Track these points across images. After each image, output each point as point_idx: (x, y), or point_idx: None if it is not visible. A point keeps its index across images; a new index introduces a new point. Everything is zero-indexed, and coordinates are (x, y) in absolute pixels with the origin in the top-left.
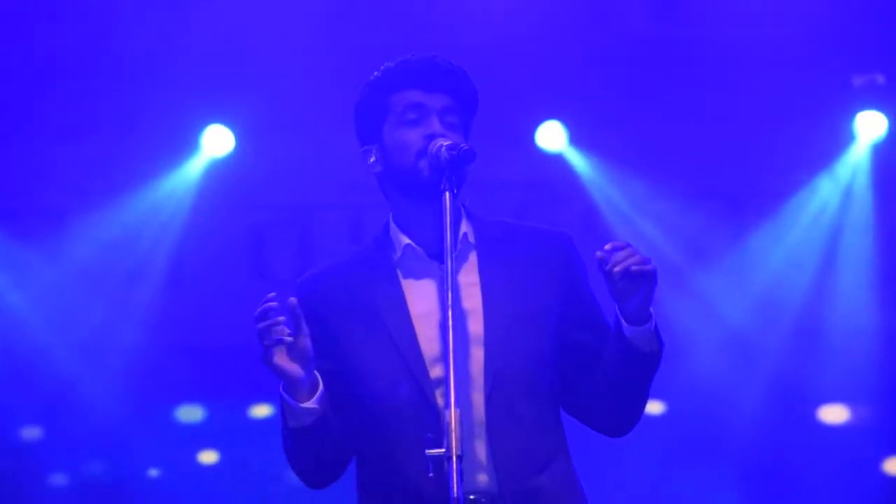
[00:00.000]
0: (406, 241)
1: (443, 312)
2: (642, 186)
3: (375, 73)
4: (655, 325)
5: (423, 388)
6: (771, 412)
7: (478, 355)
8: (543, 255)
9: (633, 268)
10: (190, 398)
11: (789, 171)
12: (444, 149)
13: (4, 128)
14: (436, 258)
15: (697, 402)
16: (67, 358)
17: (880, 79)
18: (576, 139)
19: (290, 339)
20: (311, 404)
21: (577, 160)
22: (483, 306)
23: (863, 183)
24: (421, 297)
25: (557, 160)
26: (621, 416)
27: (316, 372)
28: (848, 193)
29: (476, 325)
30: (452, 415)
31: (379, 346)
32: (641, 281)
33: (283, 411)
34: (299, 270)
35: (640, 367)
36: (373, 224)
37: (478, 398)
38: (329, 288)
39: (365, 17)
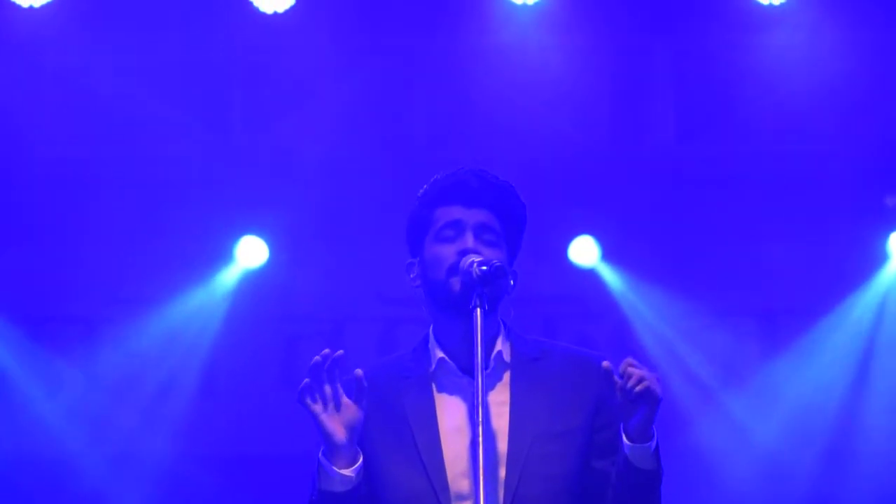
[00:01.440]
0: (440, 354)
1: (471, 430)
2: (674, 302)
3: (424, 186)
4: (656, 446)
5: (441, 503)
6: None
7: (501, 475)
8: (577, 378)
9: (637, 388)
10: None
11: (822, 289)
12: (475, 265)
13: (40, 234)
14: (468, 374)
15: None
16: (97, 468)
17: None
18: (608, 254)
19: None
20: (348, 472)
21: (610, 275)
22: (510, 427)
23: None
24: (451, 413)
25: (590, 275)
26: None
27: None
28: (881, 313)
29: (502, 445)
30: None
31: (404, 456)
32: (645, 400)
33: (318, 475)
34: None
35: (638, 484)
36: (404, 336)
37: None
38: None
39: (401, 131)
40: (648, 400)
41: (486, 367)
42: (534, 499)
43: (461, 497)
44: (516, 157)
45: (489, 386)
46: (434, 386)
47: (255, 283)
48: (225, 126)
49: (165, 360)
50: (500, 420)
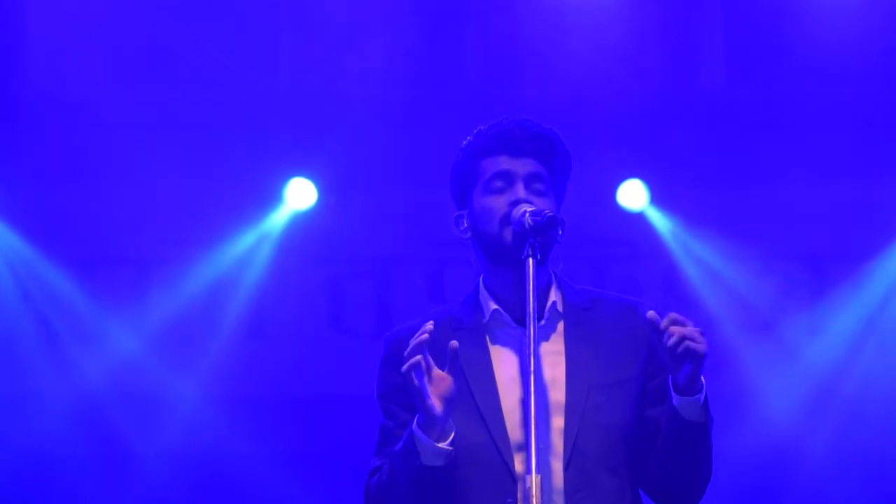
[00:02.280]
0: (494, 306)
1: (525, 379)
2: (722, 246)
3: (468, 138)
4: (705, 398)
5: (501, 453)
6: (842, 470)
7: (558, 424)
8: (628, 327)
9: (679, 348)
10: (267, 450)
11: (872, 232)
12: (527, 216)
13: (90, 176)
14: (522, 324)
15: (769, 456)
16: (141, 408)
17: None
18: (657, 198)
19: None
20: (445, 445)
21: (658, 219)
22: (566, 375)
23: None
24: (507, 363)
25: (638, 219)
26: (679, 490)
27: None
28: None
29: (558, 394)
30: (534, 480)
31: (462, 408)
32: (690, 357)
33: (410, 451)
34: (378, 323)
35: (686, 436)
36: (452, 278)
37: (557, 466)
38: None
39: (449, 74)
40: (693, 357)
41: (539, 317)
42: (593, 448)
43: (520, 447)
44: (565, 99)
45: (544, 336)
46: (488, 337)
47: (303, 224)
48: (274, 68)
49: (214, 301)
50: (557, 370)
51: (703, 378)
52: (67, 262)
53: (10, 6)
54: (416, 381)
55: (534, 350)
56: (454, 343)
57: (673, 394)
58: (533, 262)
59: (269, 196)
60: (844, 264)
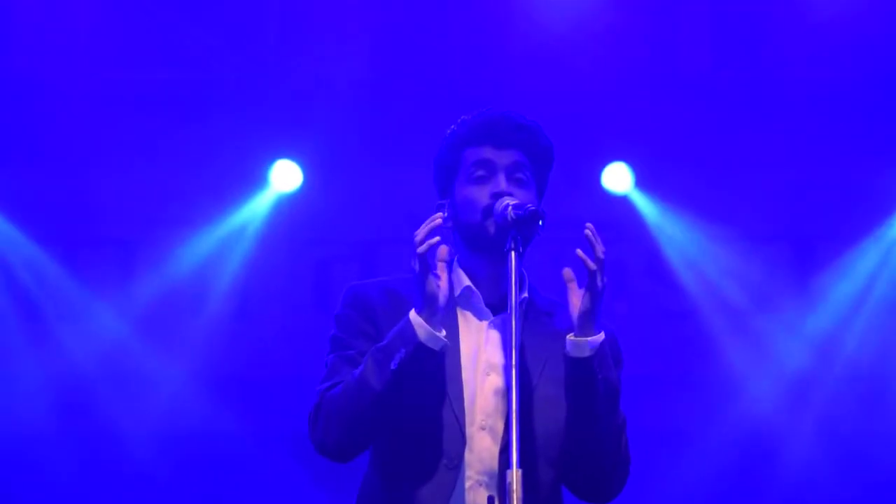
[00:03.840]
0: (467, 282)
1: (507, 372)
2: (707, 229)
3: (451, 128)
4: (601, 344)
5: (456, 416)
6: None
7: (503, 408)
8: None
9: (599, 256)
10: (253, 430)
11: (859, 213)
12: (510, 208)
13: (74, 157)
14: (490, 307)
15: (749, 443)
16: (126, 389)
17: None
18: (642, 181)
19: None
20: (441, 334)
21: (643, 202)
22: (517, 364)
23: None
24: (470, 339)
25: (623, 202)
26: (587, 466)
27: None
28: None
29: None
30: (514, 475)
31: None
32: (593, 283)
33: (404, 334)
34: None
35: (577, 378)
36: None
37: (493, 449)
38: (387, 297)
39: (434, 57)
40: (594, 284)
41: (507, 308)
42: (535, 438)
43: (472, 421)
44: (550, 83)
45: (506, 326)
46: (457, 309)
47: (289, 207)
48: (259, 49)
49: (200, 282)
50: (510, 359)
51: (602, 331)
52: (53, 243)
53: None
54: (428, 265)
55: (503, 340)
56: (444, 247)
57: (567, 337)
58: (515, 255)
59: (255, 178)
60: (829, 248)
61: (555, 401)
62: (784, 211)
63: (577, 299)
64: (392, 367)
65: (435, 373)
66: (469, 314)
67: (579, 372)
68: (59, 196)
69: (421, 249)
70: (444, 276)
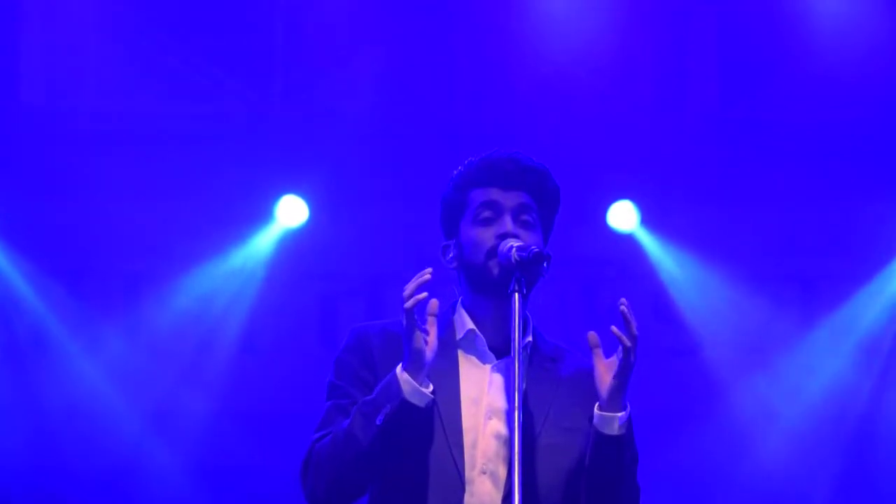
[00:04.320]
0: (471, 325)
1: (510, 415)
2: (712, 268)
3: (458, 169)
4: (628, 419)
5: (455, 462)
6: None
7: (505, 455)
8: (585, 387)
9: (633, 333)
10: (257, 465)
11: (864, 255)
12: (514, 250)
13: (83, 190)
14: (493, 351)
15: (755, 484)
16: (135, 424)
17: None
18: (647, 220)
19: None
20: (427, 390)
21: (648, 241)
22: (522, 412)
23: None
24: (471, 383)
25: (628, 240)
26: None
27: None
28: None
29: (509, 428)
30: None
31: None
32: (626, 360)
33: (390, 389)
34: None
35: (605, 453)
36: (441, 296)
37: (495, 495)
38: (386, 342)
39: (442, 94)
40: (628, 361)
41: (511, 352)
42: (537, 486)
43: (472, 465)
44: (558, 121)
45: (510, 371)
46: (459, 353)
47: (294, 242)
48: (266, 84)
49: (205, 317)
50: (512, 404)
51: (628, 404)
52: (59, 275)
53: (5, 19)
54: (415, 320)
55: (506, 385)
56: (434, 301)
57: (595, 411)
58: (519, 297)
59: (261, 213)
60: (835, 287)
61: (558, 449)
62: (789, 251)
63: (604, 370)
64: (377, 422)
65: (432, 420)
66: (473, 357)
67: (608, 448)
68: (67, 228)
69: (408, 305)
70: (432, 330)
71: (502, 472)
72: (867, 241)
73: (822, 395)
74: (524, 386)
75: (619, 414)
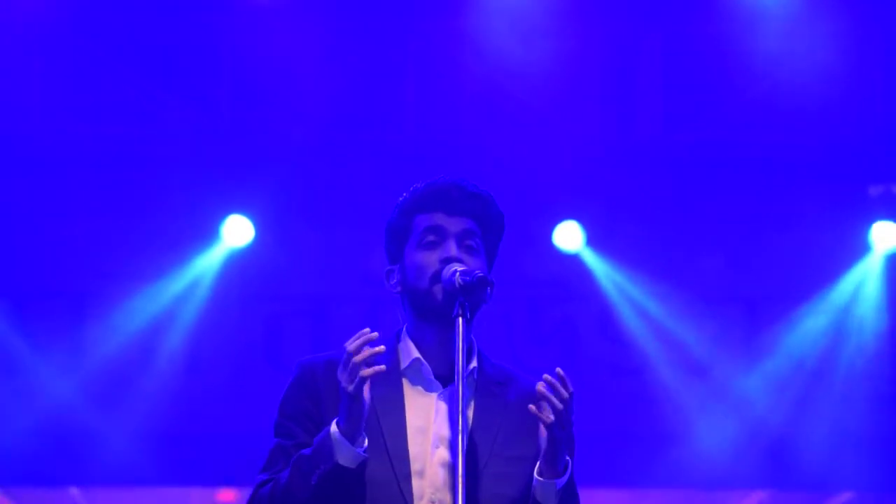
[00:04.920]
0: (416, 354)
1: (434, 433)
2: (657, 288)
3: (403, 195)
4: (567, 481)
5: (402, 493)
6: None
7: (452, 483)
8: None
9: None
10: (203, 483)
11: (805, 277)
12: (458, 274)
13: (29, 212)
14: (439, 379)
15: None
16: (81, 438)
17: None
18: (593, 240)
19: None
20: (361, 451)
21: (593, 261)
22: (469, 440)
23: (875, 291)
24: (417, 411)
25: (574, 260)
26: None
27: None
28: (860, 301)
29: (456, 457)
30: None
31: (370, 440)
32: (552, 429)
33: (324, 451)
34: None
35: None
36: (388, 316)
37: None
38: (331, 375)
39: (387, 115)
40: (552, 434)
41: (457, 378)
42: None
43: (420, 496)
44: (503, 142)
45: (455, 398)
46: (405, 382)
47: (240, 262)
48: (212, 105)
49: (150, 336)
50: (462, 433)
51: (568, 459)
52: (2, 294)
53: None
54: (357, 386)
55: (450, 411)
56: (382, 348)
57: (535, 476)
58: (463, 322)
59: (206, 233)
60: (778, 307)
61: (504, 478)
62: (733, 272)
63: (543, 428)
64: (312, 481)
65: (379, 452)
66: (419, 387)
67: None
68: (10, 248)
69: (365, 373)
70: (366, 388)
71: (450, 501)
72: (811, 262)
73: (767, 410)
74: (471, 413)
75: (557, 479)
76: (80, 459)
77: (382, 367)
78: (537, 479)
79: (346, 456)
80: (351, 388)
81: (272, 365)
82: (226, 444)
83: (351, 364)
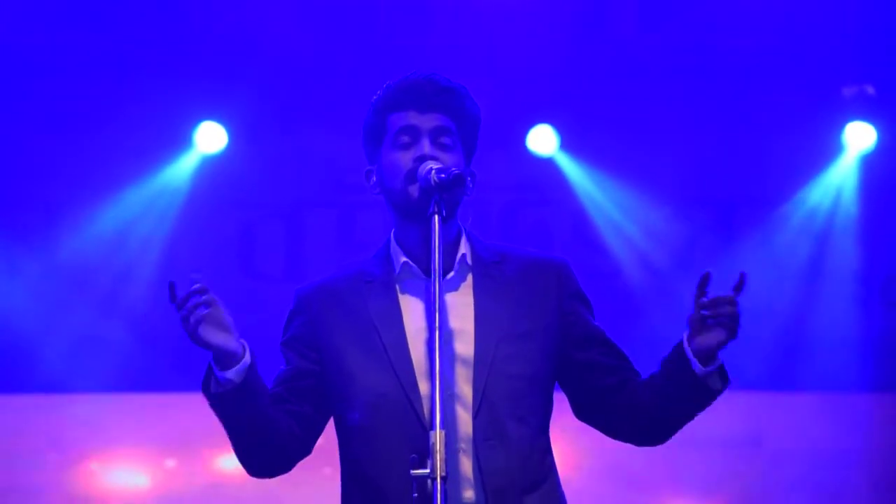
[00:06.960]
0: (403, 259)
1: (431, 334)
2: (632, 192)
3: (377, 93)
4: (722, 364)
5: (412, 402)
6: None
7: (467, 374)
8: (536, 281)
9: (722, 318)
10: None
11: (779, 180)
12: (433, 172)
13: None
14: (431, 276)
15: None
16: (54, 352)
17: (870, 90)
18: (567, 144)
19: (206, 311)
20: (230, 375)
21: (568, 164)
22: (475, 327)
23: (851, 193)
24: (415, 314)
25: (548, 164)
26: (663, 434)
27: (247, 346)
28: (836, 203)
29: (466, 346)
30: (437, 435)
31: (372, 357)
32: (721, 330)
33: (206, 395)
34: (289, 269)
35: (705, 403)
36: (362, 222)
37: (465, 416)
38: (328, 298)
39: (360, 19)
40: (724, 331)
41: (448, 270)
42: (501, 398)
43: (429, 397)
44: (476, 44)
45: (453, 288)
46: (398, 288)
47: (213, 168)
48: (185, 8)
49: (124, 245)
50: (466, 321)
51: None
52: None
53: None
54: (196, 335)
55: (439, 304)
56: (195, 274)
57: (695, 361)
58: (438, 219)
59: (179, 139)
60: (753, 210)
61: (516, 357)
62: (707, 175)
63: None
64: (223, 425)
65: (384, 367)
66: (411, 289)
67: (710, 401)
68: None
69: (188, 330)
70: (215, 308)
71: (468, 391)
72: (785, 165)
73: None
74: (471, 300)
75: (716, 365)
76: (60, 360)
77: (208, 310)
78: (702, 370)
79: (217, 382)
80: (194, 339)
81: (246, 273)
82: (199, 352)
83: (182, 320)
